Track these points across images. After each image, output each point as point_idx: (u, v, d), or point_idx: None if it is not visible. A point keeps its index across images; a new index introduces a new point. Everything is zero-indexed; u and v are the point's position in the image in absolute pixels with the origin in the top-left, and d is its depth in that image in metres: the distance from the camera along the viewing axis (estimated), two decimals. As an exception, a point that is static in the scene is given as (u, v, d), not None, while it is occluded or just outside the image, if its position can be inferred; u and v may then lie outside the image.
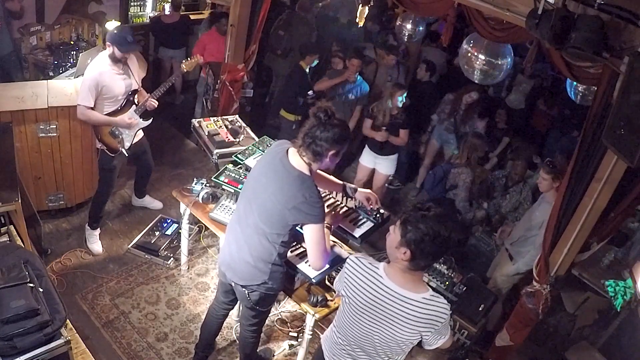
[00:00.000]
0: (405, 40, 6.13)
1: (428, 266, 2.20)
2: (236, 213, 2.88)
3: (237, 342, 3.62)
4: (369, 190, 3.30)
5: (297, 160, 2.59)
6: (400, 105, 4.84)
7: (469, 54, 4.01)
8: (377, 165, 5.26)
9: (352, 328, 2.30)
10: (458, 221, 2.13)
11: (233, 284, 2.92)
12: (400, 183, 6.35)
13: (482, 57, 3.93)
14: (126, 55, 3.85)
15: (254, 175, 2.78)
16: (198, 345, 3.47)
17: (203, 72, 6.07)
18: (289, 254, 2.95)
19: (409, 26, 5.88)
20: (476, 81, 4.22)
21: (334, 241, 3.21)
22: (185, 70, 4.32)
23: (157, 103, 4.11)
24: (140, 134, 4.25)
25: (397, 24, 6.10)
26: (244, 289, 2.84)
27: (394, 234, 2.12)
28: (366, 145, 5.27)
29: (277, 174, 2.60)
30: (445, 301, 2.21)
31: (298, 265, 3.00)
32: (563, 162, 3.98)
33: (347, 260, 2.30)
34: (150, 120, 4.19)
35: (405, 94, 4.84)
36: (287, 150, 2.64)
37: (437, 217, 2.04)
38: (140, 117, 4.09)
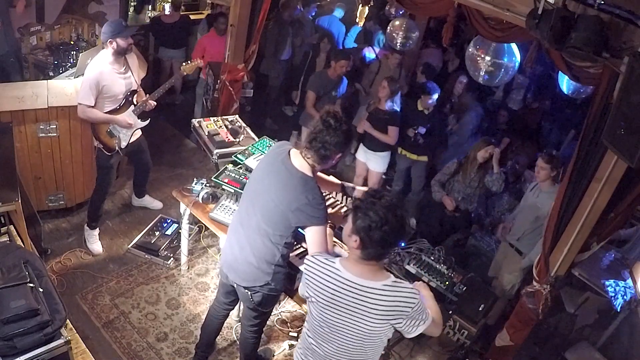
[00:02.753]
0: (398, 47, 5.81)
1: (381, 255, 2.10)
2: (238, 214, 2.87)
3: (238, 342, 3.62)
4: (367, 189, 3.30)
5: (300, 161, 2.57)
6: (395, 106, 4.85)
7: (475, 56, 3.99)
8: (369, 161, 5.26)
9: (321, 327, 2.26)
10: (407, 210, 2.10)
11: (235, 285, 2.91)
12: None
13: (488, 58, 3.91)
14: (130, 42, 3.83)
15: (255, 176, 2.77)
16: (198, 345, 3.46)
17: (203, 73, 6.06)
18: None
19: (400, 33, 5.65)
20: (481, 82, 4.19)
21: (334, 241, 3.21)
22: (184, 74, 4.33)
23: (155, 104, 4.12)
24: (138, 133, 4.26)
25: (389, 29, 5.82)
26: (246, 291, 2.84)
27: (348, 222, 2.10)
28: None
29: (279, 175, 2.59)
30: (411, 286, 2.17)
31: (299, 266, 3.00)
32: (558, 155, 4.03)
33: (304, 261, 2.29)
34: (148, 121, 4.20)
35: (397, 94, 4.84)
36: (289, 151, 2.63)
37: (387, 205, 2.02)
38: (138, 117, 4.09)
